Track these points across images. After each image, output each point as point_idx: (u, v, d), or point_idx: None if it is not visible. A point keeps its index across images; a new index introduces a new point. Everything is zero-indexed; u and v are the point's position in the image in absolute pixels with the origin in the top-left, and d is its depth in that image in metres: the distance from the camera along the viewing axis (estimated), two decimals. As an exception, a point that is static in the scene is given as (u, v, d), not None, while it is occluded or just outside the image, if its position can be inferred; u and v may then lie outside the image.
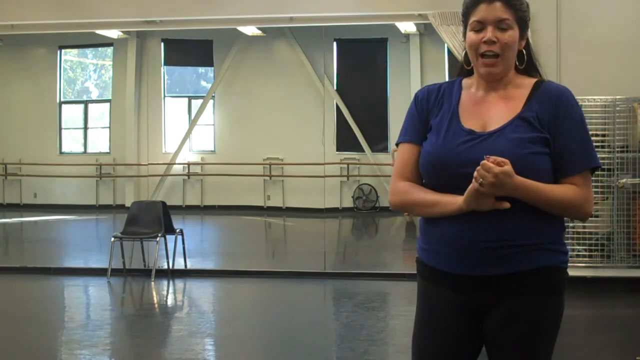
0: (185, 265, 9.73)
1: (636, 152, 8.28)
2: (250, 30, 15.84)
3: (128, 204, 11.66)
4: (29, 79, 18.52)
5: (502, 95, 2.57)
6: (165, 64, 18.36)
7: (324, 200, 14.08)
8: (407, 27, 15.53)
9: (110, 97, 18.79)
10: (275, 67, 17.81)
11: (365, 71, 17.96)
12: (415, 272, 2.68)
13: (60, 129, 18.64)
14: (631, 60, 8.63)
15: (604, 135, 8.31)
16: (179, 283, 9.33)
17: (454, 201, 2.45)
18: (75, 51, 19.27)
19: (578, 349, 6.07)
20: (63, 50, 18.69)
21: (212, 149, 18.27)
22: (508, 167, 2.36)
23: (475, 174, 2.37)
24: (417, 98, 2.67)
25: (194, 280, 9.45)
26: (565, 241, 2.60)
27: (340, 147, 17.21)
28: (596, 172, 2.64)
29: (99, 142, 19.01)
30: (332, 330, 7.13)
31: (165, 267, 9.41)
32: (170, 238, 9.47)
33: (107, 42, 17.92)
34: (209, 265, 10.71)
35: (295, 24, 11.11)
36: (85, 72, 19.77)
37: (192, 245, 10.89)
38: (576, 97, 2.61)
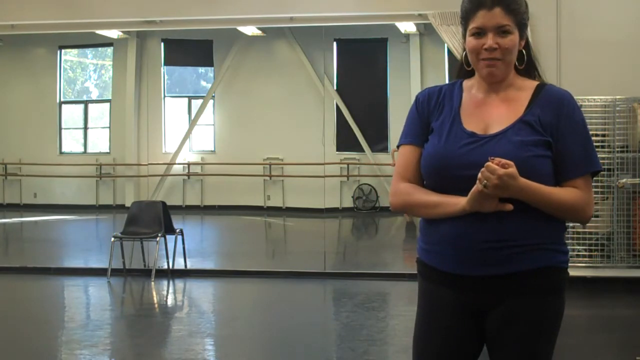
0: (185, 265, 9.73)
1: (636, 152, 8.28)
2: (250, 30, 15.84)
3: (128, 204, 11.67)
4: (29, 79, 18.51)
5: (504, 98, 2.57)
6: (165, 64, 18.36)
7: (324, 200, 14.08)
8: (407, 27, 15.53)
9: (110, 97, 18.79)
10: (275, 67, 17.81)
11: (365, 71, 17.96)
12: (415, 272, 2.68)
13: (60, 129, 18.64)
14: (631, 60, 8.63)
15: (604, 135, 8.31)
16: (179, 283, 9.33)
17: (457, 202, 2.45)
18: (75, 51, 19.27)
19: (578, 349, 6.07)
20: (63, 50, 18.69)
21: (212, 149, 18.27)
22: (512, 170, 2.36)
23: (479, 175, 2.37)
24: (417, 100, 2.66)
25: (194, 280, 9.45)
26: (566, 241, 2.61)
27: (340, 147, 17.21)
28: (596, 172, 2.64)
29: (99, 142, 19.01)
30: (332, 330, 7.13)
31: (165, 267, 9.41)
32: (170, 238, 9.47)
33: (107, 42, 17.92)
34: (209, 265, 10.71)
35: (295, 24, 11.12)
36: (85, 72, 19.77)
37: (192, 245, 10.89)
38: (576, 97, 2.61)
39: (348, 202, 17.34)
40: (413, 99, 2.71)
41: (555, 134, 2.50)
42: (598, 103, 8.34)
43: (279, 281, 9.41)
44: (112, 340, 6.74)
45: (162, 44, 18.11)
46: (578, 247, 8.33)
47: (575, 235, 8.30)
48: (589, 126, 2.62)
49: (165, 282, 9.21)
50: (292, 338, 6.73)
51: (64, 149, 18.69)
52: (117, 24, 11.87)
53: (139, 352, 6.37)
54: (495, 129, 2.52)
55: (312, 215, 15.24)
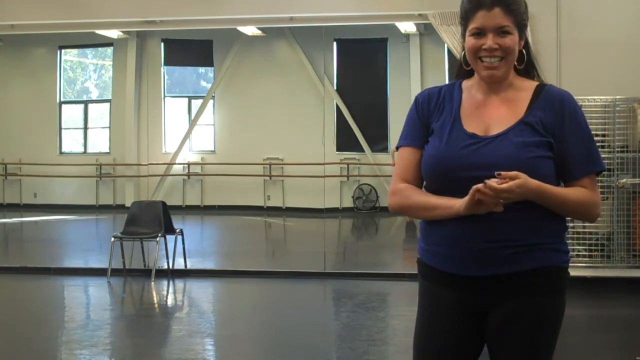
0: (185, 265, 9.73)
1: (636, 152, 8.28)
2: (250, 30, 15.84)
3: (128, 204, 11.67)
4: (29, 79, 18.51)
5: (504, 99, 2.57)
6: (165, 64, 18.36)
7: (324, 200, 14.07)
8: (407, 27, 15.53)
9: (110, 97, 18.80)
10: (275, 67, 17.81)
11: (365, 71, 17.96)
12: (415, 272, 2.68)
13: (60, 129, 18.64)
14: (631, 60, 8.63)
15: (604, 135, 8.31)
16: (179, 283, 9.33)
17: (451, 205, 2.45)
18: (75, 51, 19.27)
19: (578, 349, 6.07)
20: (63, 50, 18.69)
21: (212, 149, 18.27)
22: (520, 181, 2.36)
23: (479, 190, 2.36)
24: (417, 101, 2.66)
25: (194, 280, 9.45)
26: (566, 241, 2.61)
27: (340, 147, 17.22)
28: (596, 172, 2.64)
29: (99, 142, 19.01)
30: (332, 330, 7.13)
31: (165, 267, 9.41)
32: (170, 238, 9.47)
33: (107, 42, 17.93)
34: (209, 265, 10.70)
35: (295, 24, 11.12)
36: (85, 72, 19.78)
37: (192, 245, 10.89)
38: (576, 97, 2.61)
39: (348, 202, 17.34)
40: (413, 99, 2.71)
41: (557, 135, 2.50)
42: (598, 103, 8.34)
43: (279, 281, 9.41)
44: (112, 340, 6.74)
45: (162, 44, 18.11)
46: (578, 247, 8.33)
47: (575, 235, 8.30)
48: (589, 126, 2.62)
49: (165, 282, 9.21)
50: (292, 338, 6.73)
51: (64, 149, 18.69)
52: (117, 24, 11.87)
53: (139, 352, 6.37)
54: (495, 130, 2.51)
55: (312, 215, 15.24)
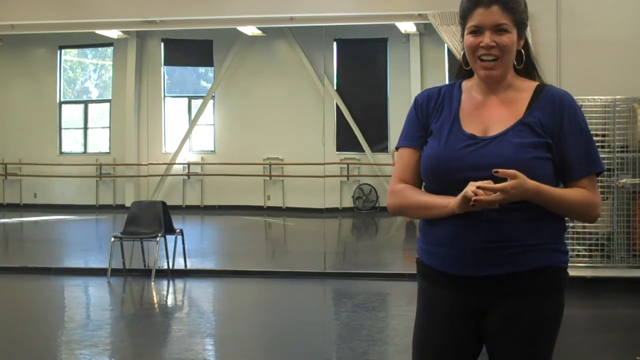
0: (185, 265, 9.73)
1: (636, 152, 8.28)
2: (250, 30, 15.84)
3: (128, 204, 11.67)
4: (29, 79, 18.52)
5: (503, 99, 2.57)
6: (165, 64, 18.36)
7: (324, 200, 14.07)
8: (407, 27, 15.53)
9: (110, 97, 18.80)
10: (275, 67, 17.81)
11: (365, 71, 17.96)
12: (415, 272, 2.68)
13: (60, 129, 18.65)
14: (631, 60, 8.63)
15: (604, 135, 8.31)
16: (179, 283, 9.33)
17: (446, 204, 2.45)
18: (75, 51, 19.28)
19: (578, 349, 6.07)
20: (63, 50, 18.70)
21: (212, 149, 18.28)
22: (516, 181, 2.36)
23: (472, 189, 2.36)
24: (417, 102, 2.66)
25: (194, 280, 9.45)
26: (565, 241, 2.60)
27: (340, 147, 17.22)
28: (596, 172, 2.64)
29: (99, 142, 19.01)
30: (332, 330, 7.13)
31: (165, 267, 9.41)
32: (170, 238, 9.47)
33: (107, 42, 17.93)
34: (209, 265, 10.70)
35: (295, 24, 11.12)
36: (85, 72, 19.78)
37: (192, 245, 10.89)
38: (576, 97, 2.61)
39: (348, 202, 17.35)
40: (413, 99, 2.71)
41: (556, 135, 2.50)
42: (598, 103, 8.34)
43: (279, 281, 9.41)
44: (112, 340, 6.74)
45: (162, 44, 18.11)
46: (578, 247, 8.33)
47: (575, 235, 8.30)
48: (589, 126, 2.62)
49: (165, 282, 9.21)
50: (292, 338, 6.73)
51: (64, 149, 18.69)
52: (117, 24, 11.88)
53: (139, 352, 6.37)
54: (494, 130, 2.51)
55: (312, 215, 15.24)
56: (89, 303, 8.72)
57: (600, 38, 8.69)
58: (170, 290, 9.06)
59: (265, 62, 17.76)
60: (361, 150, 17.35)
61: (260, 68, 17.78)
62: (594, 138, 2.62)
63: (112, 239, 9.32)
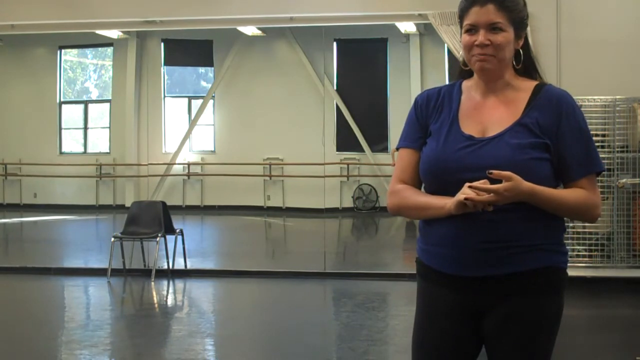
0: (185, 265, 9.73)
1: (636, 152, 8.28)
2: (250, 30, 15.84)
3: (128, 204, 11.67)
4: (29, 79, 18.51)
5: (502, 100, 2.56)
6: (165, 64, 18.36)
7: (324, 200, 14.07)
8: (407, 27, 15.53)
9: (110, 97, 18.80)
10: (275, 67, 17.81)
11: (365, 71, 17.96)
12: (415, 272, 2.68)
13: (60, 129, 18.64)
14: (631, 60, 8.63)
15: (604, 135, 8.31)
16: (179, 283, 9.33)
17: (443, 205, 2.45)
18: (75, 51, 19.28)
19: (578, 349, 6.07)
20: (63, 50, 18.69)
21: (212, 149, 18.28)
22: (510, 184, 2.35)
23: (467, 191, 2.36)
24: (416, 103, 2.66)
25: (194, 280, 9.45)
26: (565, 241, 2.60)
27: (340, 147, 17.21)
28: (596, 172, 2.64)
29: (99, 142, 19.01)
30: (332, 330, 7.13)
31: (165, 267, 9.41)
32: (170, 238, 9.47)
33: (107, 42, 17.93)
34: (209, 265, 10.70)
35: (295, 24, 11.12)
36: (85, 72, 19.78)
37: (192, 245, 10.89)
38: (576, 97, 2.60)
39: (348, 202, 17.34)
40: (413, 99, 2.72)
41: (555, 135, 2.49)
42: (598, 103, 8.34)
43: (279, 281, 9.41)
44: (112, 340, 6.74)
45: (162, 44, 18.11)
46: (578, 247, 8.33)
47: (575, 235, 8.30)
48: (589, 126, 2.61)
49: (165, 282, 9.21)
50: (292, 338, 6.73)
51: (64, 149, 18.69)
52: (117, 24, 11.87)
53: (139, 352, 6.37)
54: (493, 131, 2.51)
55: (312, 215, 15.24)
56: (89, 303, 8.72)
57: (600, 38, 8.69)
58: (170, 290, 9.07)
59: (265, 62, 17.76)
60: (361, 150, 17.35)
61: (260, 68, 17.78)
62: (594, 138, 2.62)
63: (112, 239, 9.32)
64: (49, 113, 18.40)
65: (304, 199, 16.34)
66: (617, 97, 8.34)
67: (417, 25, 15.22)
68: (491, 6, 2.49)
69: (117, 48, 18.26)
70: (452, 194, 2.43)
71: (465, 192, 2.37)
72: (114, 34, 16.38)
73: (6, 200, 18.38)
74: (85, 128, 18.87)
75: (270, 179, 17.70)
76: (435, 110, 2.61)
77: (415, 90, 16.08)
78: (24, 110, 18.24)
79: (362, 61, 17.94)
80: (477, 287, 2.49)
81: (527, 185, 2.39)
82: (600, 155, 2.60)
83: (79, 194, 18.23)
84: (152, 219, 9.33)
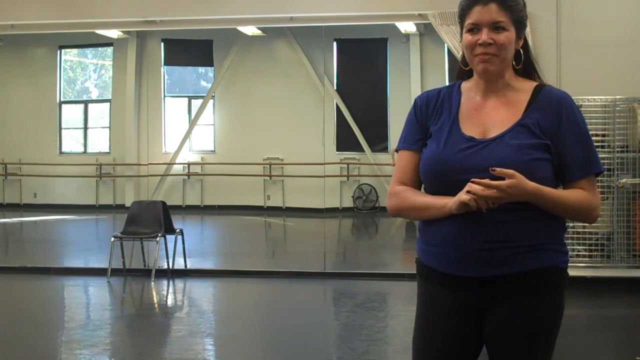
0: (185, 265, 9.73)
1: (636, 152, 8.28)
2: (250, 30, 15.84)
3: (128, 204, 11.66)
4: (29, 79, 18.52)
5: (502, 100, 2.56)
6: (165, 64, 18.36)
7: (324, 200, 14.07)
8: (407, 27, 15.52)
9: (110, 97, 18.80)
10: (275, 67, 17.81)
11: (365, 71, 17.96)
12: (415, 272, 2.68)
13: (60, 129, 18.64)
14: (631, 60, 8.63)
15: (604, 135, 8.31)
16: (179, 283, 9.33)
17: (443, 205, 2.45)
18: (75, 51, 19.28)
19: (578, 349, 6.07)
20: (63, 50, 18.69)
21: (212, 149, 18.27)
22: (512, 181, 2.36)
23: (471, 187, 2.37)
24: (416, 105, 2.66)
25: (194, 280, 9.46)
26: (565, 241, 2.60)
27: (340, 147, 17.22)
28: (596, 172, 2.64)
29: (99, 142, 19.01)
30: (332, 330, 7.13)
31: (165, 267, 9.41)
32: (170, 238, 9.47)
33: (107, 42, 17.93)
34: (209, 265, 10.70)
35: (295, 24, 11.12)
36: (85, 72, 19.78)
37: (192, 245, 10.89)
38: (576, 97, 2.61)
39: (348, 202, 17.34)
40: (413, 99, 2.71)
41: (555, 136, 2.50)
42: (598, 103, 8.34)
43: (279, 281, 9.41)
44: (112, 340, 6.74)
45: (162, 44, 18.11)
46: (578, 247, 8.33)
47: (575, 235, 8.30)
48: (589, 126, 2.62)
49: (165, 282, 9.21)
50: (292, 338, 6.73)
51: (64, 149, 18.69)
52: (117, 24, 11.87)
53: (139, 352, 6.37)
54: (493, 132, 2.51)
55: (312, 215, 15.24)
56: (89, 303, 8.72)
57: (600, 38, 8.69)
58: (170, 290, 9.07)
59: (265, 62, 17.75)
60: (361, 150, 17.34)
61: (260, 68, 17.78)
62: (594, 138, 2.63)
63: (112, 238, 9.32)
64: (49, 113, 18.40)
65: (304, 198, 16.34)
66: (617, 97, 8.34)
67: (417, 25, 15.21)
68: (493, 5, 2.50)
69: (117, 48, 18.26)
70: (453, 195, 2.43)
71: (469, 187, 2.37)
72: (114, 33, 16.38)
73: (6, 200, 18.38)
74: (85, 128, 18.87)
75: (270, 178, 17.70)
76: (435, 112, 2.61)
77: (415, 90, 16.08)
78: (24, 110, 18.24)
79: (362, 61, 17.94)
80: (478, 287, 2.49)
81: (533, 185, 2.39)
82: (600, 155, 2.61)
83: (79, 193, 18.23)
84: (152, 219, 9.33)
